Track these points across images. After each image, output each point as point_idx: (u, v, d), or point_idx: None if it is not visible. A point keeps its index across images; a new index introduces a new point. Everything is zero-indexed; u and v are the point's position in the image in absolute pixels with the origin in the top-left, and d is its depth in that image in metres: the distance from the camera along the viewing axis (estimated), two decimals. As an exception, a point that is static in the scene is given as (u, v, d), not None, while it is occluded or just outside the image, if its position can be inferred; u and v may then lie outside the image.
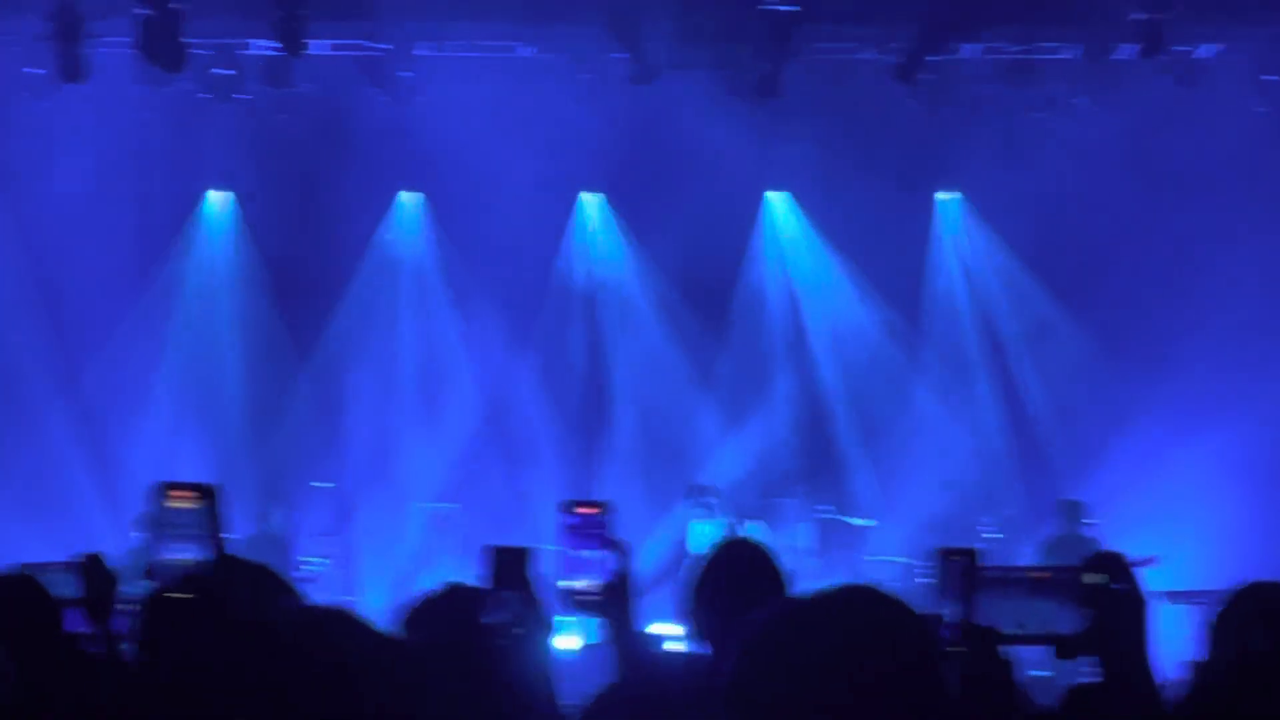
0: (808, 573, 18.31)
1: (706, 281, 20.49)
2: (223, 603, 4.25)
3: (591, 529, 4.83)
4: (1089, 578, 4.40)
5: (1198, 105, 18.92)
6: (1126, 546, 14.27)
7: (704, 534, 16.90)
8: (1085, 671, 4.41)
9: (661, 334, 20.75)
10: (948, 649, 4.44)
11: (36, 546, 15.47)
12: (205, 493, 4.51)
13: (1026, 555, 18.02)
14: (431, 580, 15.93)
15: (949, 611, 4.52)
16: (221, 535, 4.49)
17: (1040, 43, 18.70)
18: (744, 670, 3.06)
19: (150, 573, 4.47)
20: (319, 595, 17.87)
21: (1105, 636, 4.33)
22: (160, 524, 4.48)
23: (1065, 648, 4.47)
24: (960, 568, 4.57)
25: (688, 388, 20.54)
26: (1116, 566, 4.46)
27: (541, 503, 18.15)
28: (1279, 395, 19.07)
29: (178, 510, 4.48)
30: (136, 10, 16.55)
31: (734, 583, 5.53)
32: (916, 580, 18.30)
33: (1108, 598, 4.35)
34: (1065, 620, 4.39)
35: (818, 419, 20.72)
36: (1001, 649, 4.31)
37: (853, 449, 20.60)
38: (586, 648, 13.47)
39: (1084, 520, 17.84)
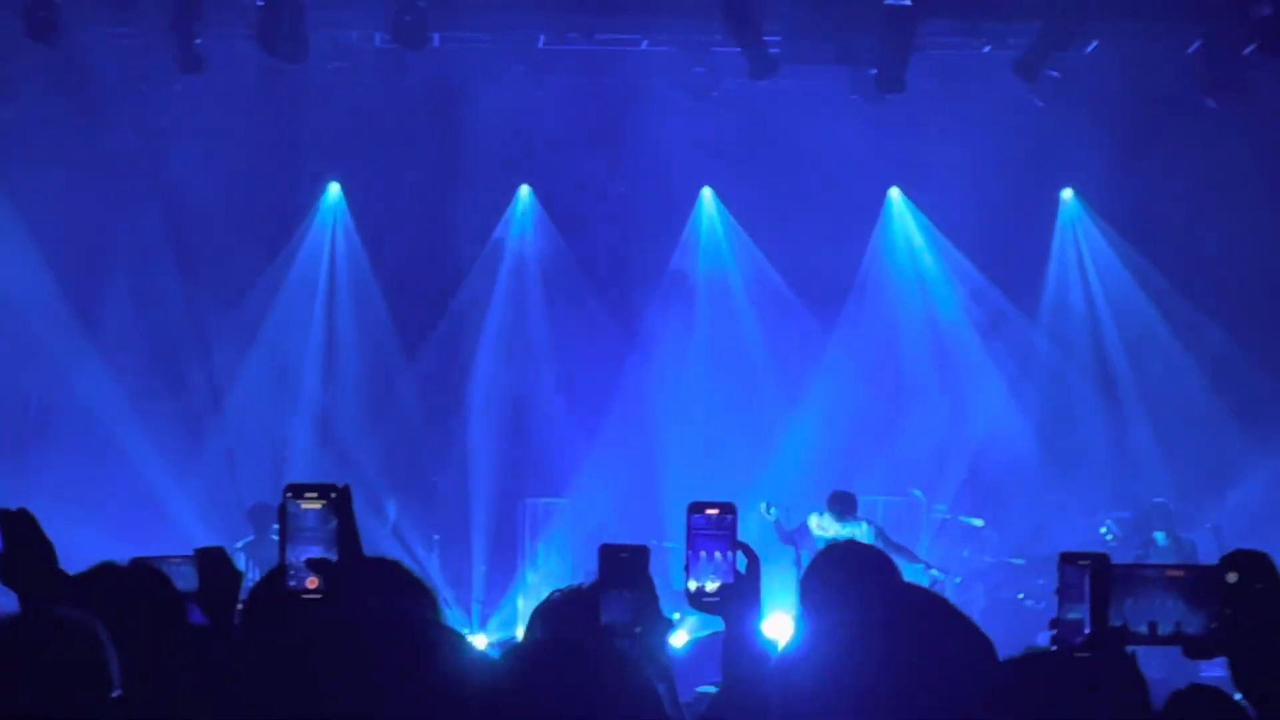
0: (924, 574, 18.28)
1: (824, 277, 20.40)
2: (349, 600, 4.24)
3: (719, 529, 4.79)
4: (1231, 576, 4.30)
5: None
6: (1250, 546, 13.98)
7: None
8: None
9: (774, 327, 20.66)
10: (1076, 654, 4.38)
11: (149, 537, 15.67)
12: (336, 494, 4.47)
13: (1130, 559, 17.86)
14: (545, 574, 15.97)
15: (1076, 616, 4.45)
16: (352, 537, 4.46)
17: (1161, 36, 18.46)
18: None
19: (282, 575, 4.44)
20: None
21: (1239, 637, 4.24)
22: (290, 527, 4.45)
23: (1195, 648, 4.38)
24: (1089, 571, 4.50)
25: (797, 386, 20.41)
26: (1260, 566, 4.36)
27: (659, 500, 18.16)
28: None
29: (306, 512, 4.45)
30: (258, 2, 16.65)
31: (848, 579, 5.53)
32: (1026, 582, 18.20)
33: (1248, 597, 4.27)
34: (1194, 621, 4.30)
35: (931, 418, 20.57)
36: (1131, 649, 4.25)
37: (963, 450, 20.43)
38: (693, 642, 13.43)
39: (1177, 523, 17.63)
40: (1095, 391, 20.66)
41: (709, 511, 4.73)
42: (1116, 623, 4.27)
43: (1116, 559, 14.47)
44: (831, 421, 19.87)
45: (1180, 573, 4.39)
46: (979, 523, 19.14)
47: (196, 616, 5.14)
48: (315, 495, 4.41)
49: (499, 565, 19.78)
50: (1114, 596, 4.28)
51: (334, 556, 4.37)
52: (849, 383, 20.36)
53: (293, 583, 4.42)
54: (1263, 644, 4.21)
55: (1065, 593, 4.60)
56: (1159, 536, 17.40)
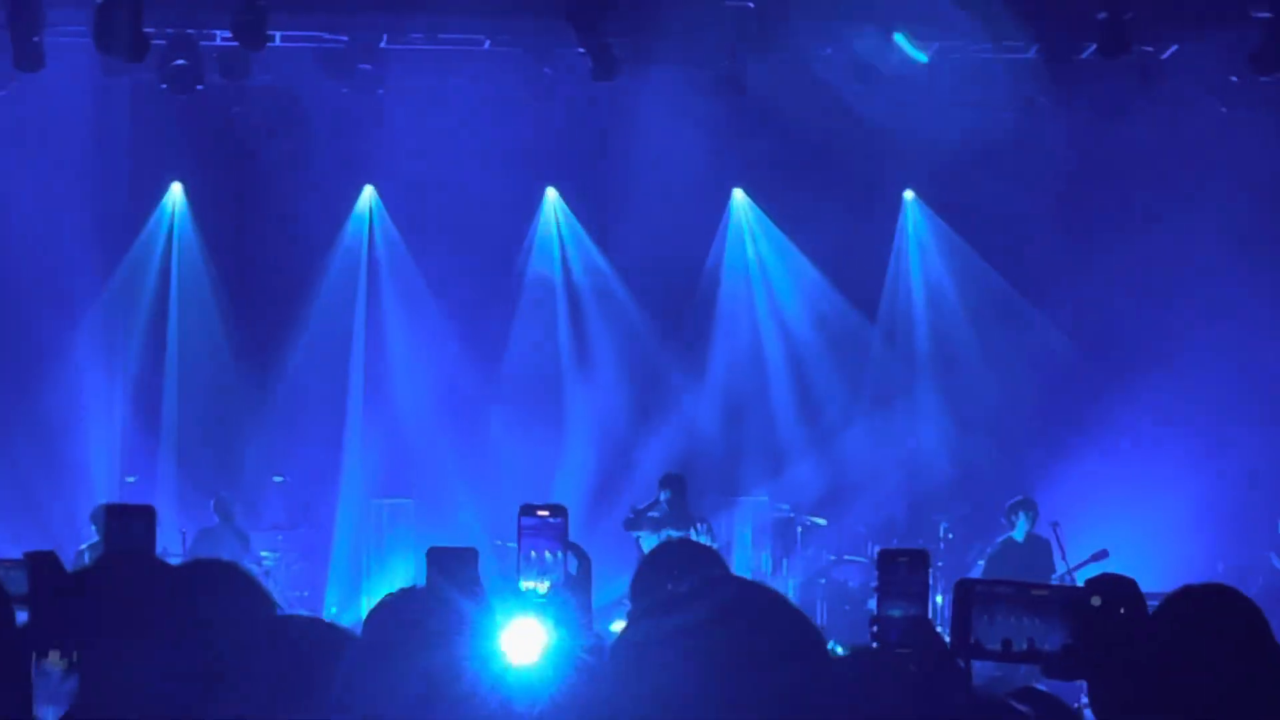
0: (764, 572, 18.41)
1: (668, 277, 20.48)
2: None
3: (549, 531, 4.84)
4: (1095, 600, 4.36)
5: (1159, 104, 18.96)
6: (1080, 545, 14.29)
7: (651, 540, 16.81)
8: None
9: (618, 330, 20.72)
10: (898, 650, 4.43)
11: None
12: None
13: (976, 553, 18.11)
14: (386, 575, 15.89)
15: (896, 613, 4.50)
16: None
17: (1000, 40, 18.69)
18: None
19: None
20: (274, 590, 17.82)
21: (1100, 660, 4.31)
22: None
23: (1053, 667, 4.43)
24: (908, 567, 4.56)
25: (643, 386, 20.49)
26: (1124, 590, 4.44)
27: (500, 500, 18.14)
28: (1236, 395, 19.18)
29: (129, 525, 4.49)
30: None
31: (680, 574, 5.57)
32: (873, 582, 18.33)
33: (1112, 622, 4.33)
34: (1051, 640, 4.35)
35: (774, 416, 20.72)
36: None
37: (809, 446, 20.59)
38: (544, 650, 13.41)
39: (1037, 519, 17.85)
40: (933, 392, 20.86)
41: (539, 513, 4.79)
42: (974, 638, 4.32)
43: (953, 556, 14.59)
44: (677, 424, 20.00)
45: (1044, 592, 4.44)
46: (822, 521, 19.29)
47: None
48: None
49: (348, 567, 19.70)
50: (988, 606, 4.31)
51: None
52: (692, 386, 20.49)
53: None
54: (1123, 669, 4.27)
55: (885, 589, 4.65)
56: (1017, 532, 17.59)
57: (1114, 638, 4.31)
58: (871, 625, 4.68)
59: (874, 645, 4.72)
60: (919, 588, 4.69)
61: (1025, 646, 4.32)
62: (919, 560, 4.71)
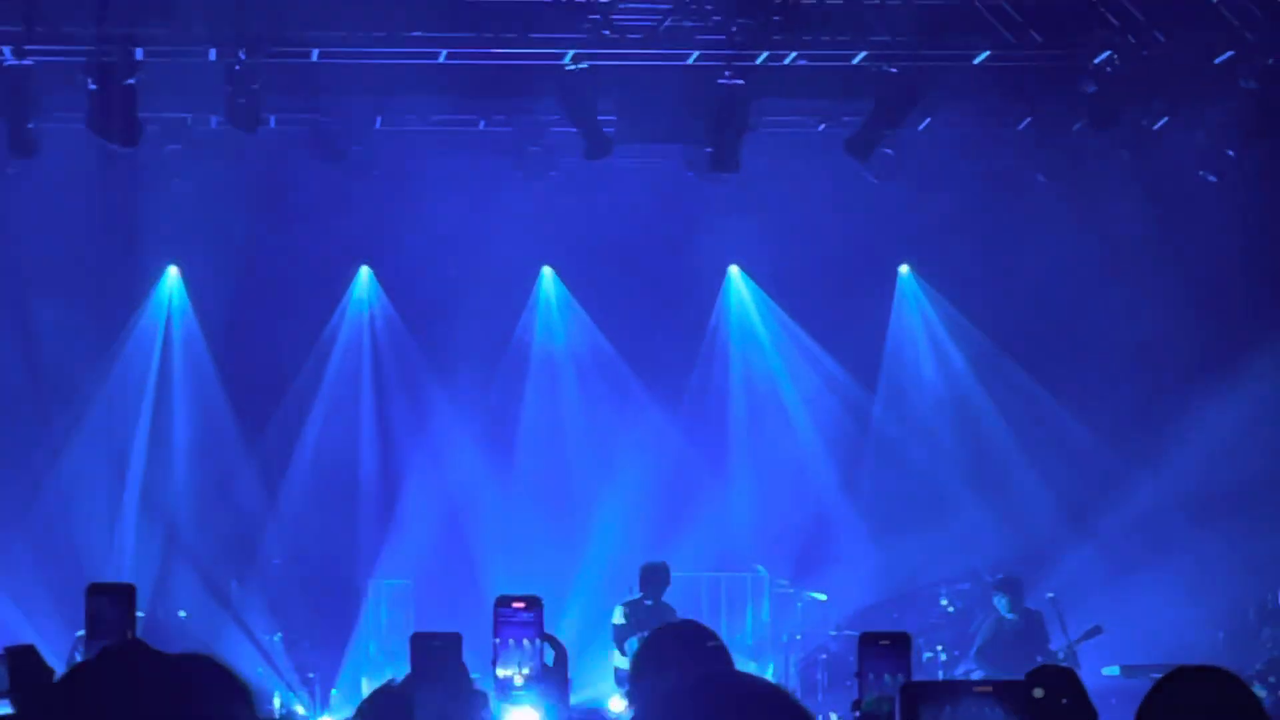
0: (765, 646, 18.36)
1: (666, 355, 20.49)
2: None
3: (525, 622, 4.84)
4: (1036, 691, 4.36)
5: (1151, 176, 19.01)
6: (1074, 619, 14.26)
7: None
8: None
9: (619, 409, 20.69)
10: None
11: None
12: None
13: (978, 624, 18.11)
14: (389, 656, 15.84)
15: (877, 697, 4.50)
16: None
17: (993, 115, 18.78)
18: None
19: None
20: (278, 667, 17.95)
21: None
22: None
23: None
24: (891, 652, 4.56)
25: (645, 466, 20.44)
26: (1065, 682, 4.44)
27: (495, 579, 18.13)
28: (1221, 461, 19.16)
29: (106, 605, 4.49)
30: (90, 87, 16.51)
31: (676, 658, 5.54)
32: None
33: (1054, 712, 4.32)
34: None
35: (776, 492, 20.69)
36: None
37: (812, 521, 20.55)
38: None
39: (1025, 595, 17.80)
40: (931, 462, 20.84)
41: (515, 605, 4.80)
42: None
43: (955, 629, 14.59)
44: (674, 499, 20.02)
45: (988, 688, 4.44)
46: (822, 597, 19.25)
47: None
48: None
49: (343, 647, 19.62)
50: (935, 706, 4.31)
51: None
52: (689, 460, 20.48)
53: None
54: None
55: (866, 674, 4.66)
56: (1003, 608, 17.56)
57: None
58: (853, 710, 4.69)
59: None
60: (902, 669, 4.70)
61: None
62: (901, 644, 4.72)
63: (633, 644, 15.97)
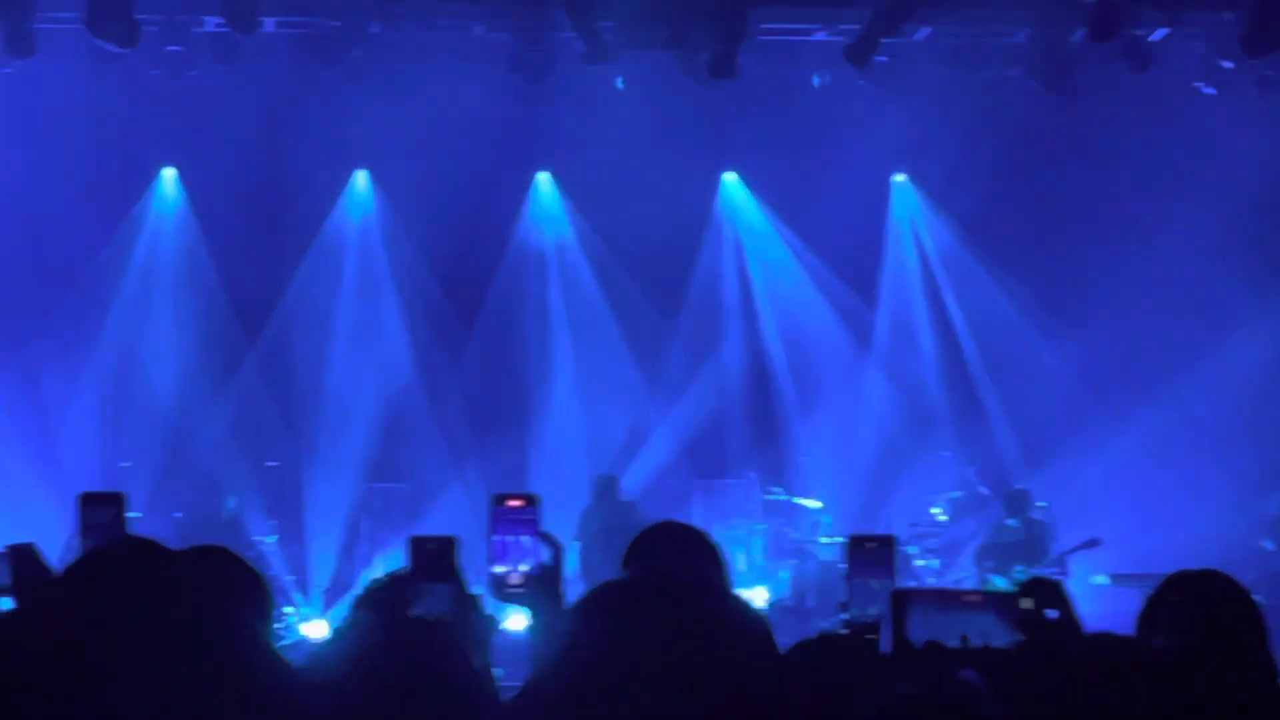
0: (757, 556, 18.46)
1: (660, 260, 20.51)
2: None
3: (521, 520, 4.89)
4: (1024, 603, 4.42)
5: (1148, 89, 18.97)
6: (1070, 530, 14.36)
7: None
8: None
9: (610, 315, 20.76)
10: (866, 636, 4.50)
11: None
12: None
13: (969, 533, 18.25)
14: (384, 560, 15.90)
15: (865, 598, 4.56)
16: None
17: (991, 24, 18.71)
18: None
19: None
20: (267, 572, 17.89)
21: (1036, 660, 4.37)
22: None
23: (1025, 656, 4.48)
24: (877, 553, 4.62)
25: (635, 368, 20.56)
26: (1051, 593, 4.49)
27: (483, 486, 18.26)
28: (1217, 378, 19.22)
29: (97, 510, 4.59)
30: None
31: (666, 557, 5.57)
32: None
33: (1040, 624, 4.38)
34: (1002, 637, 4.41)
35: (767, 398, 20.79)
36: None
37: (802, 429, 20.66)
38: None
39: (1032, 506, 17.94)
40: (935, 375, 20.92)
41: (511, 503, 4.84)
42: (929, 635, 4.37)
43: (947, 537, 14.61)
44: (668, 404, 20.15)
45: (978, 597, 4.50)
46: (817, 504, 19.33)
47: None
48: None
49: (341, 550, 19.73)
50: (924, 612, 4.36)
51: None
52: (690, 367, 20.57)
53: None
54: (1051, 666, 4.34)
55: (854, 575, 4.71)
56: (1011, 520, 17.74)
57: (1051, 635, 4.37)
58: (840, 610, 4.75)
59: (844, 631, 4.78)
60: (887, 573, 4.76)
61: (981, 643, 4.38)
62: (886, 546, 4.78)
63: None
